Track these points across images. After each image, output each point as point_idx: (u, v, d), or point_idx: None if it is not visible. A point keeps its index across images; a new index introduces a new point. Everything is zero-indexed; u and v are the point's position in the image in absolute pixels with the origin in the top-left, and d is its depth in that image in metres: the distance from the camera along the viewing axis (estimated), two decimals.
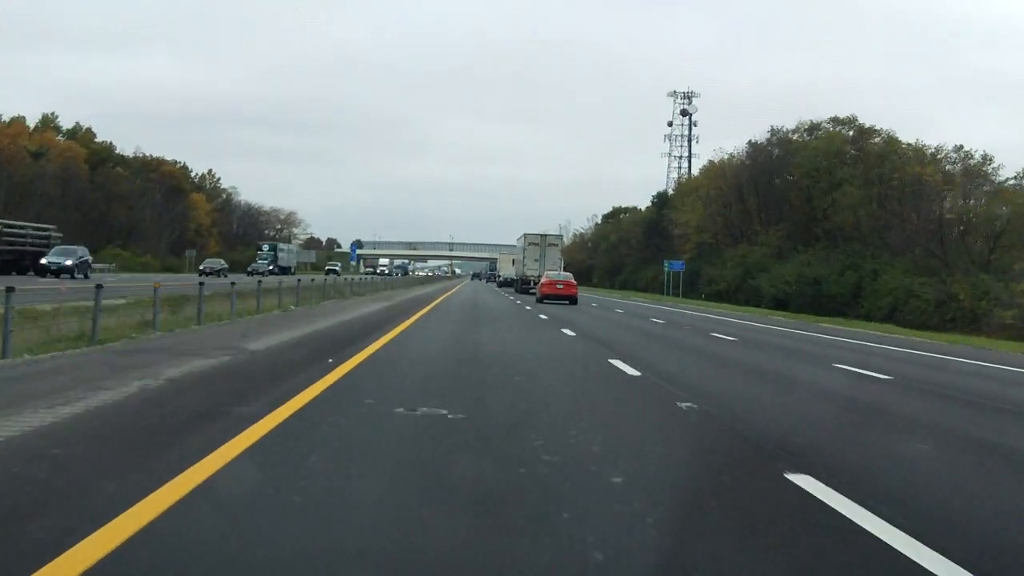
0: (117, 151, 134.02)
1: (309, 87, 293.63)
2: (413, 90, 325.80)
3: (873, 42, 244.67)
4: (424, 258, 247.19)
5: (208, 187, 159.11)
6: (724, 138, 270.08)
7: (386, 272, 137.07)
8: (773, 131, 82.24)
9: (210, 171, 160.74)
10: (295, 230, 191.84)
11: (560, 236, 78.72)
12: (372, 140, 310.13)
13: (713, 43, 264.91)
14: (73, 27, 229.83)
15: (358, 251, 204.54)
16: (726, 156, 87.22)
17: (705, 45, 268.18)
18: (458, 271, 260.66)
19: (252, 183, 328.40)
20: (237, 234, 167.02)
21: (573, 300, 46.71)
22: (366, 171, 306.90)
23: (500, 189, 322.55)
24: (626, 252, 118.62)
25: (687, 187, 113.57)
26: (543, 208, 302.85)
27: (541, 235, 67.85)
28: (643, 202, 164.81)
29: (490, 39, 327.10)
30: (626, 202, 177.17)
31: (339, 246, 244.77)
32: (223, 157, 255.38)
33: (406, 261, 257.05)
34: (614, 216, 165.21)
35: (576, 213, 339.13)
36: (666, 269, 76.07)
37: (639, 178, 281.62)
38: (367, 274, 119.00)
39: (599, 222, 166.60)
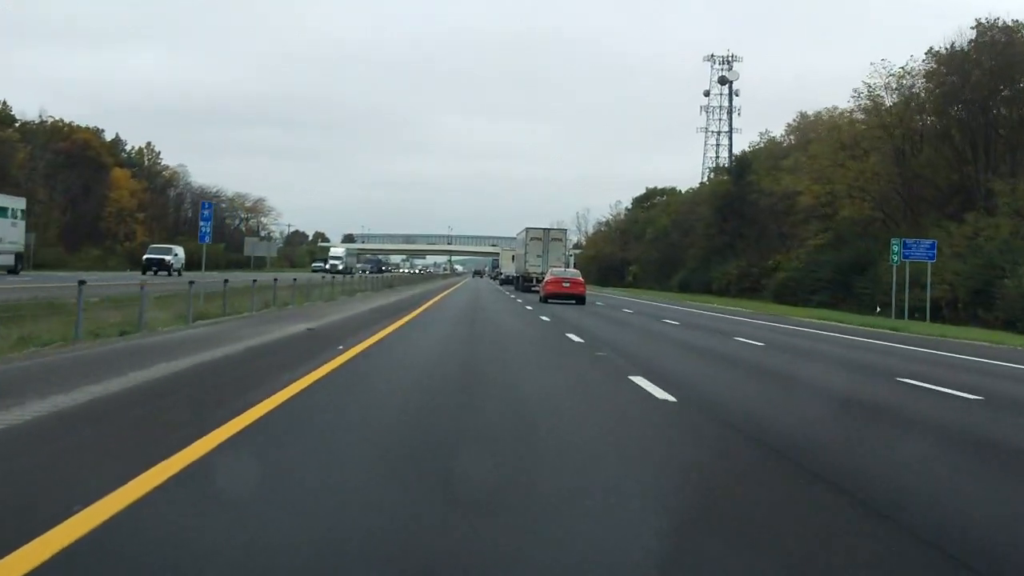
0: (12, 112, 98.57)
1: (306, 83, 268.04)
2: (412, 86, 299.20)
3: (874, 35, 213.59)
4: (422, 253, 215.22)
5: (146, 163, 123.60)
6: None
7: (340, 268, 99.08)
8: (980, 27, 46.30)
9: (149, 144, 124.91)
10: (264, 219, 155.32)
11: (564, 231, 67.44)
12: (370, 137, 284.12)
13: (716, 38, 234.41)
14: (64, 22, 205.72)
15: (349, 246, 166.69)
16: (892, 75, 50.23)
17: (709, 39, 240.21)
18: (460, 268, 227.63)
19: (246, 179, 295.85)
20: (189, 222, 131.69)
21: (581, 299, 39.49)
22: (364, 168, 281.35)
23: (502, 186, 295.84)
24: (686, 241, 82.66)
25: (770, 148, 77.91)
26: (547, 204, 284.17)
27: (544, 229, 60.72)
28: (679, 184, 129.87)
29: (490, 34, 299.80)
30: (629, 197, 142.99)
31: (326, 240, 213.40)
32: (217, 154, 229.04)
33: (403, 256, 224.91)
34: (649, 199, 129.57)
35: (582, 208, 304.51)
36: (894, 259, 36.90)
37: (647, 173, 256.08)
38: (317, 271, 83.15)
39: (629, 207, 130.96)
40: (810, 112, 78.78)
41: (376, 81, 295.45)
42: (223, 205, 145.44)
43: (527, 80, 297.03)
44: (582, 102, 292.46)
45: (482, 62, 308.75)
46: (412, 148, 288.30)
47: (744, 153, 77.06)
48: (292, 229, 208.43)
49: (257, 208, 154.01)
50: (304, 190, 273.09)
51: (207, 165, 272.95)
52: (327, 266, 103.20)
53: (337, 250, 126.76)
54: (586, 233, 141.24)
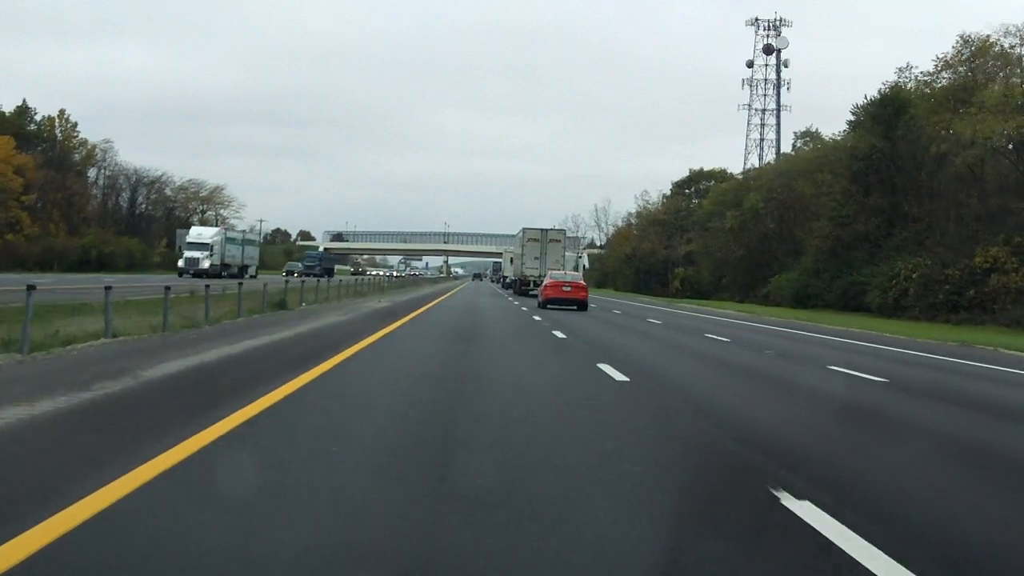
0: None
1: (298, 81, 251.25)
2: (410, 83, 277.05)
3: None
4: (418, 254, 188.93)
5: (58, 137, 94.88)
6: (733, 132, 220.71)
7: (206, 267, 61.10)
8: None
9: (62, 113, 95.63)
10: (223, 212, 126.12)
11: (562, 231, 60.64)
12: (366, 134, 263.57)
13: (718, 31, 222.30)
14: (49, 16, 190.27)
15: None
16: None
17: (710, 29, 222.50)
18: (460, 271, 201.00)
19: (233, 178, 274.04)
20: (118, 213, 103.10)
21: (582, 305, 35.25)
22: (359, 167, 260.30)
23: (505, 186, 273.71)
24: (796, 231, 53.94)
25: (921, 90, 49.40)
26: (552, 203, 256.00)
27: (542, 230, 56.16)
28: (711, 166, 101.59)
29: (489, 29, 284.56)
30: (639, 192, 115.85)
31: (311, 238, 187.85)
32: (208, 153, 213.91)
33: (400, 257, 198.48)
34: (693, 183, 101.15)
35: (601, 200, 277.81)
36: None
37: (652, 167, 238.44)
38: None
39: (667, 194, 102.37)
40: (974, 35, 50.44)
41: (373, 78, 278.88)
42: (168, 193, 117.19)
43: (528, 76, 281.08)
44: (586, 98, 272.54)
45: (481, 58, 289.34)
46: (410, 146, 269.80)
47: (897, 88, 47.88)
48: (263, 222, 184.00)
49: (214, 198, 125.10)
50: (299, 189, 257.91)
51: (194, 162, 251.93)
52: (183, 263, 64.60)
53: (203, 232, 71.19)
54: (614, 227, 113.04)
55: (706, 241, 68.07)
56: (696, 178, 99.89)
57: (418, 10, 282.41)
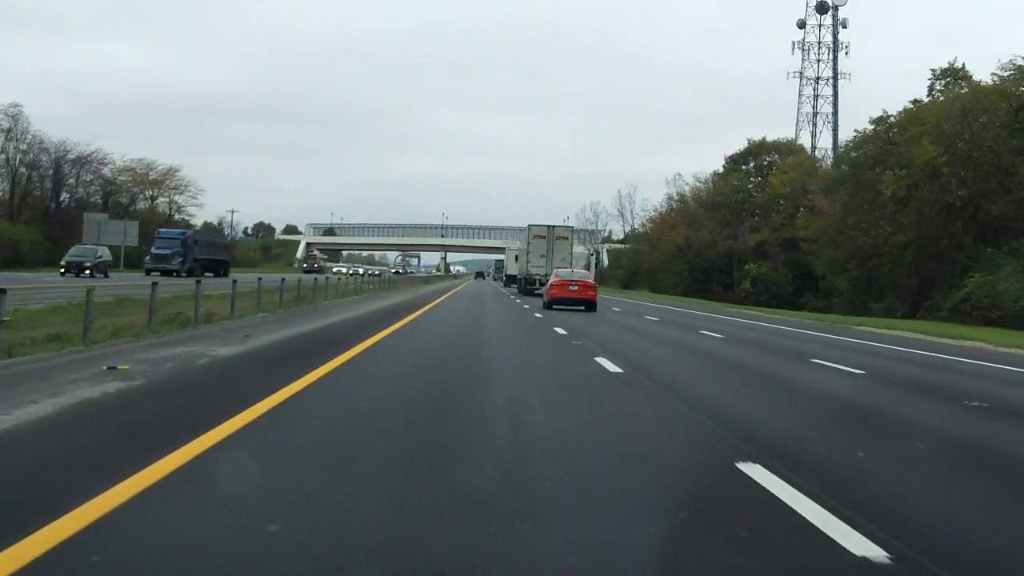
0: None
1: (296, 79, 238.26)
2: (409, 81, 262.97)
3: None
4: (415, 249, 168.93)
5: None
6: (730, 131, 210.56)
7: None
8: None
9: None
10: (178, 198, 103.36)
11: (570, 228, 58.09)
12: (363, 134, 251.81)
13: (717, 26, 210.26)
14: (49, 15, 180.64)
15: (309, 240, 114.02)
16: None
17: (712, 28, 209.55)
18: (461, 269, 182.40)
19: (234, 177, 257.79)
20: (31, 195, 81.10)
21: (591, 305, 33.51)
22: (359, 166, 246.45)
23: (506, 185, 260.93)
24: (970, 203, 32.22)
25: None
26: (553, 203, 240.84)
27: (548, 227, 53.78)
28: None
29: (490, 27, 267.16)
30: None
31: (297, 233, 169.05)
32: (204, 152, 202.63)
33: (398, 254, 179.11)
34: (753, 156, 79.55)
35: (625, 186, 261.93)
36: None
37: (662, 167, 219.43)
38: None
39: (719, 171, 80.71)
40: None
41: (373, 77, 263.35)
42: (106, 173, 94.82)
43: (528, 75, 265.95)
44: (586, 97, 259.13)
45: (481, 57, 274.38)
46: (410, 145, 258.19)
47: None
48: (235, 212, 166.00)
49: (166, 181, 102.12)
50: (299, 189, 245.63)
51: (194, 161, 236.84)
52: None
53: None
54: (650, 215, 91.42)
55: (824, 223, 45.85)
56: (756, 151, 78.19)
57: (418, 9, 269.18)
